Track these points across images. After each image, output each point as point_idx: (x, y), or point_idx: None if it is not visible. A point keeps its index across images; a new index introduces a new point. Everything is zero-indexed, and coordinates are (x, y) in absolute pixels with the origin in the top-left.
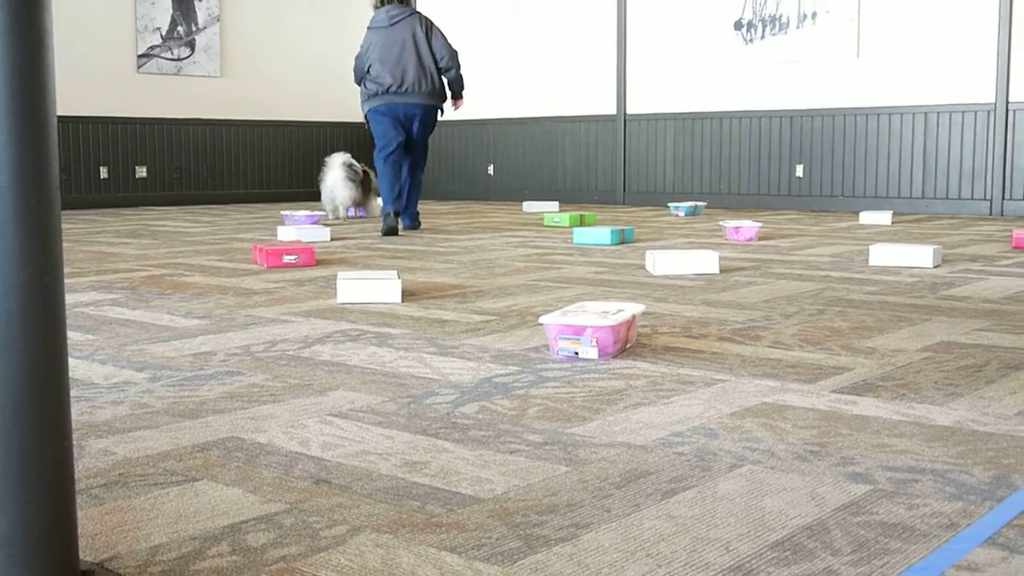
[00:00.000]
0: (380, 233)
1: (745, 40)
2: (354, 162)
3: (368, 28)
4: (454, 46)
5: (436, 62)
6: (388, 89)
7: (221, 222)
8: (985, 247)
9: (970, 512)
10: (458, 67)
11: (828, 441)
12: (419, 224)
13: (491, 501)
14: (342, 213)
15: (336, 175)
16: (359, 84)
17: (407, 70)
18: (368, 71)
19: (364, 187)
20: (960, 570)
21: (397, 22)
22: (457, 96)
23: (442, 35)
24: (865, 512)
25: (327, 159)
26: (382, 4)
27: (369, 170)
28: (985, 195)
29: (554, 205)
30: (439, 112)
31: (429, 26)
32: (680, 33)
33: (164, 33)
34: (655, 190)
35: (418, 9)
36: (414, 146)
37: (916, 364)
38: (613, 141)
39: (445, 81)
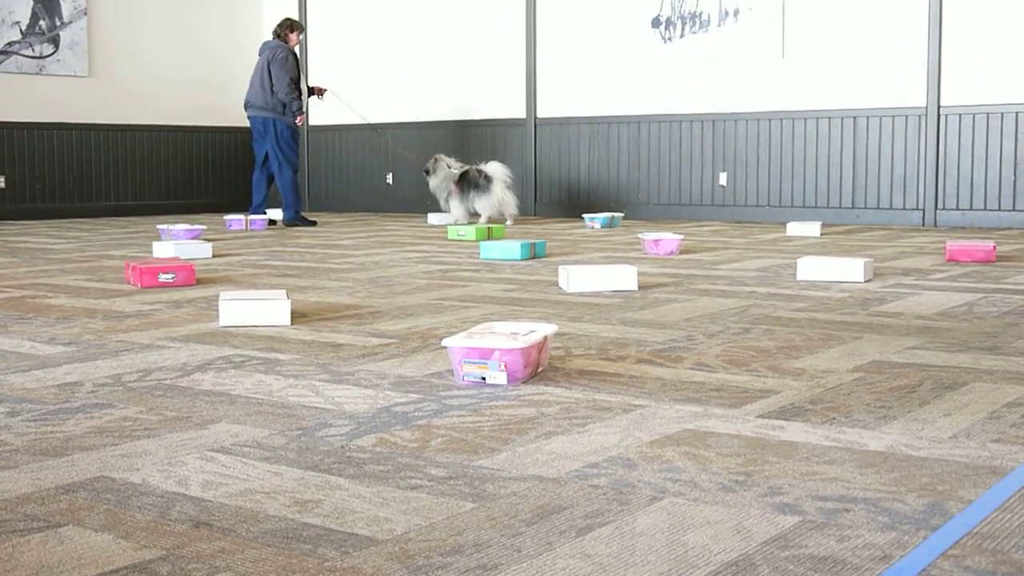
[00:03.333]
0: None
1: (664, 39)
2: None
3: None
4: (286, 75)
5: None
6: (246, 104)
7: (89, 237)
8: (918, 260)
9: (904, 543)
10: (283, 92)
11: (754, 470)
12: (298, 222)
13: (390, 542)
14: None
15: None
16: None
17: (254, 90)
18: None
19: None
20: None
21: (262, 51)
22: (293, 114)
23: (280, 66)
24: (794, 545)
25: (483, 167)
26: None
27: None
28: (917, 204)
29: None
30: (284, 126)
31: (272, 58)
32: (594, 30)
33: (24, 28)
34: (568, 200)
35: (280, 40)
36: (269, 153)
37: (847, 386)
38: (522, 147)
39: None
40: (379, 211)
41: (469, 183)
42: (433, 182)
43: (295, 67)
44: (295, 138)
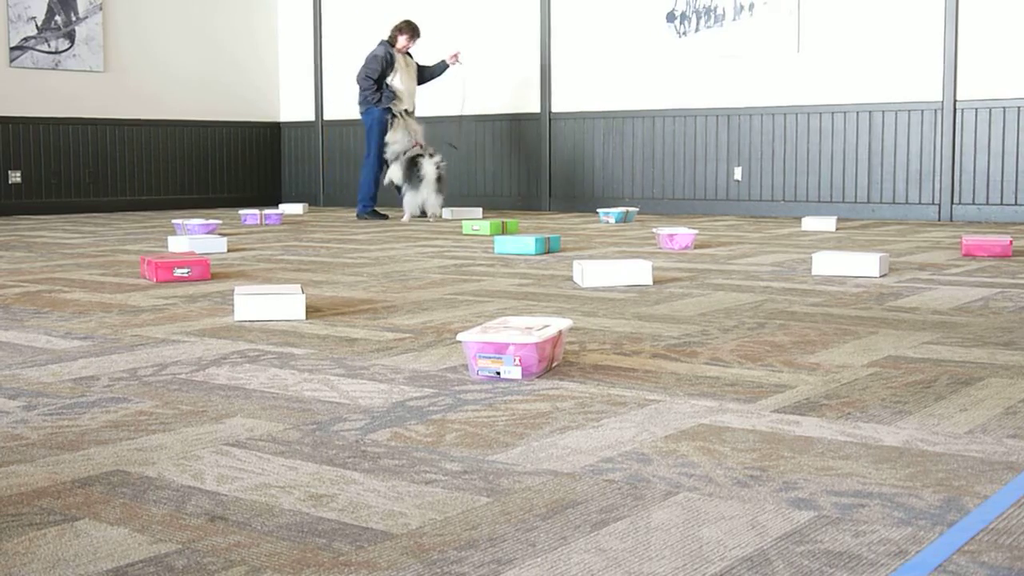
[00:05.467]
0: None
1: (678, 33)
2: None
3: None
4: (363, 70)
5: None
6: None
7: (105, 232)
8: (934, 254)
9: (919, 538)
10: (361, 88)
11: (769, 465)
12: (368, 215)
13: (405, 537)
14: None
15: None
16: None
17: None
18: None
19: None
20: None
21: None
22: (373, 106)
23: (364, 62)
24: (809, 541)
25: (424, 162)
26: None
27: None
28: (933, 199)
29: (477, 211)
30: (372, 121)
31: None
32: (609, 25)
33: (40, 23)
34: (583, 195)
35: (384, 39)
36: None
37: (862, 380)
38: (537, 142)
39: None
40: (394, 206)
41: (413, 171)
42: (395, 144)
43: (382, 65)
44: (380, 133)
